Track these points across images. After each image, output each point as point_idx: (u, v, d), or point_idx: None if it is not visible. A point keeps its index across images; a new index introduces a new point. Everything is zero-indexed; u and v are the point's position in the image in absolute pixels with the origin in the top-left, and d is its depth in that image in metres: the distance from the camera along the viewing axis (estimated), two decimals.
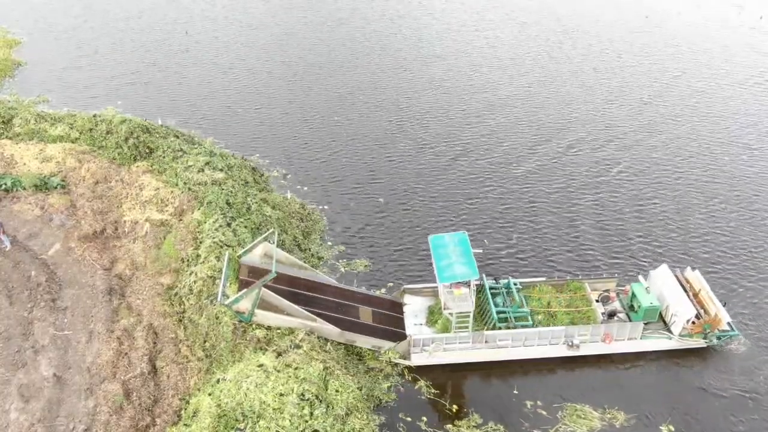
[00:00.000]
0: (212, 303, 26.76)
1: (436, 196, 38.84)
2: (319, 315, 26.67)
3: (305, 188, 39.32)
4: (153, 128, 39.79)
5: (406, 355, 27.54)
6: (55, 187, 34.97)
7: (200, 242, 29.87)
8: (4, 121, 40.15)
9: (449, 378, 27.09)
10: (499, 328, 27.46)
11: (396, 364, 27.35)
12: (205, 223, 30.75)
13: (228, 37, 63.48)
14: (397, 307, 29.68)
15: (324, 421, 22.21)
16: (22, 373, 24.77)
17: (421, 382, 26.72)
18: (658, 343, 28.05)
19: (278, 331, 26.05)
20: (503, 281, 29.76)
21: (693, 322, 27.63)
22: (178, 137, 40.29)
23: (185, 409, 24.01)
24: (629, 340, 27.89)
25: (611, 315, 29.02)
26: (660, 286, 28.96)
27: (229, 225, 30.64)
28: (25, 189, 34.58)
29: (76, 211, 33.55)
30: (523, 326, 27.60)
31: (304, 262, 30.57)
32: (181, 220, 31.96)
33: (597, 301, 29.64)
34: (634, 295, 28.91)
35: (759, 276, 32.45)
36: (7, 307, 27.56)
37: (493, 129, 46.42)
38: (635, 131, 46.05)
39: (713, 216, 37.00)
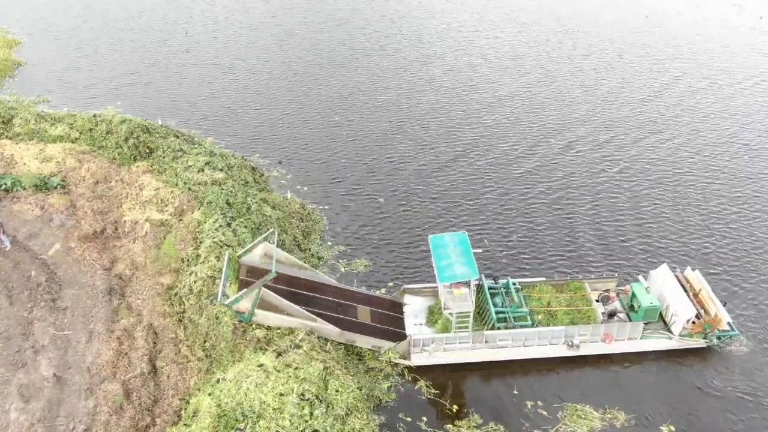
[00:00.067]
0: (212, 303, 26.76)
1: (435, 196, 38.82)
2: (319, 315, 26.66)
3: (305, 188, 39.32)
4: (153, 128, 39.80)
5: (406, 355, 27.52)
6: (55, 187, 34.98)
7: (200, 242, 29.87)
8: (4, 121, 40.17)
9: (449, 378, 27.07)
10: (498, 329, 27.46)
11: (396, 364, 27.33)
12: (205, 223, 30.76)
13: (228, 38, 63.49)
14: (397, 307, 29.67)
15: (324, 421, 22.21)
16: (22, 373, 24.76)
17: (421, 382, 26.70)
18: (658, 343, 28.03)
19: (278, 331, 26.05)
20: (502, 281, 29.77)
21: (693, 322, 27.62)
22: (178, 137, 40.30)
23: (185, 409, 24.01)
24: (629, 340, 27.87)
25: (611, 315, 28.99)
26: (660, 286, 28.94)
27: (229, 225, 30.64)
28: (25, 189, 34.59)
29: (76, 211, 33.55)
30: (522, 326, 27.58)
31: (304, 262, 30.55)
32: (181, 220, 31.95)
33: (597, 301, 29.62)
34: (634, 295, 28.89)
35: (760, 277, 32.41)
36: (7, 307, 27.56)
37: (493, 129, 46.42)
38: (635, 131, 46.04)
39: (713, 216, 36.99)
